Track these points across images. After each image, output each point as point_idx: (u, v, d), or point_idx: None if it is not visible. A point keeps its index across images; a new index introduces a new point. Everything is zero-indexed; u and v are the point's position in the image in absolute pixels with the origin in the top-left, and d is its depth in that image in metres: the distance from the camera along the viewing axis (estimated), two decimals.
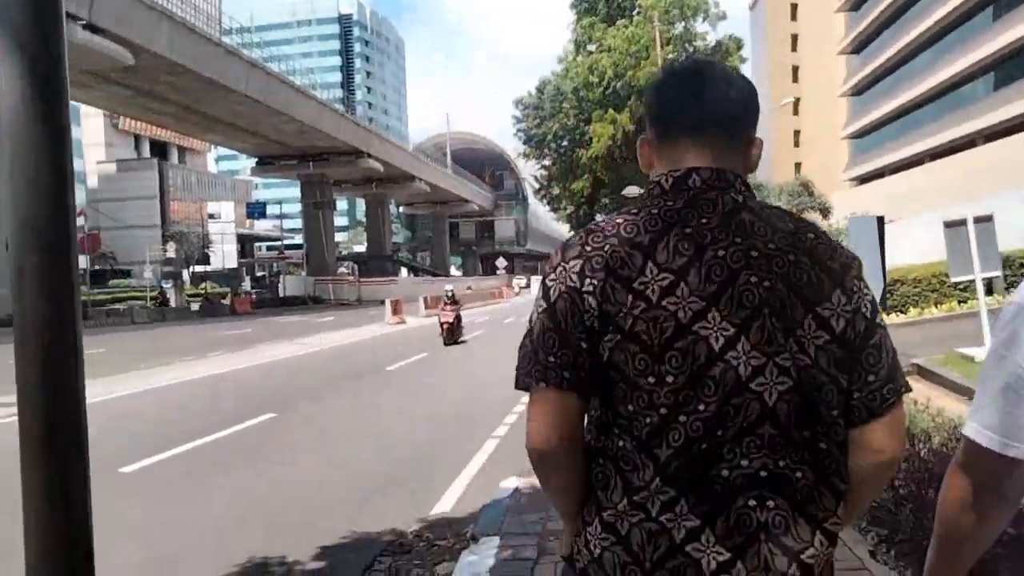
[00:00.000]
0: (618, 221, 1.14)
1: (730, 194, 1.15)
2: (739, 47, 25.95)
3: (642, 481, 1.07)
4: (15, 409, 1.51)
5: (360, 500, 5.52)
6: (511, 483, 5.29)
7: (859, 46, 55.28)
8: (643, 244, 1.10)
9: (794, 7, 70.34)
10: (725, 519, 1.05)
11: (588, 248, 1.13)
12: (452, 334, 18.60)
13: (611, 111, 24.56)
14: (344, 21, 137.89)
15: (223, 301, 40.66)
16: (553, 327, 1.12)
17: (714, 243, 1.10)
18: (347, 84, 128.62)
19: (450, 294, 18.91)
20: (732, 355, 1.06)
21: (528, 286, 71.49)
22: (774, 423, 1.07)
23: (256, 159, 54.82)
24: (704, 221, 1.11)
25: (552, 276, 1.15)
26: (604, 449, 1.12)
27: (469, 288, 37.24)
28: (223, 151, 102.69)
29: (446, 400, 10.12)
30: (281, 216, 59.32)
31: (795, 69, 69.08)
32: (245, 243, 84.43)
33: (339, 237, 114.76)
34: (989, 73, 37.77)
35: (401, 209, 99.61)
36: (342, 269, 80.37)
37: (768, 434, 1.07)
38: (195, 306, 40.50)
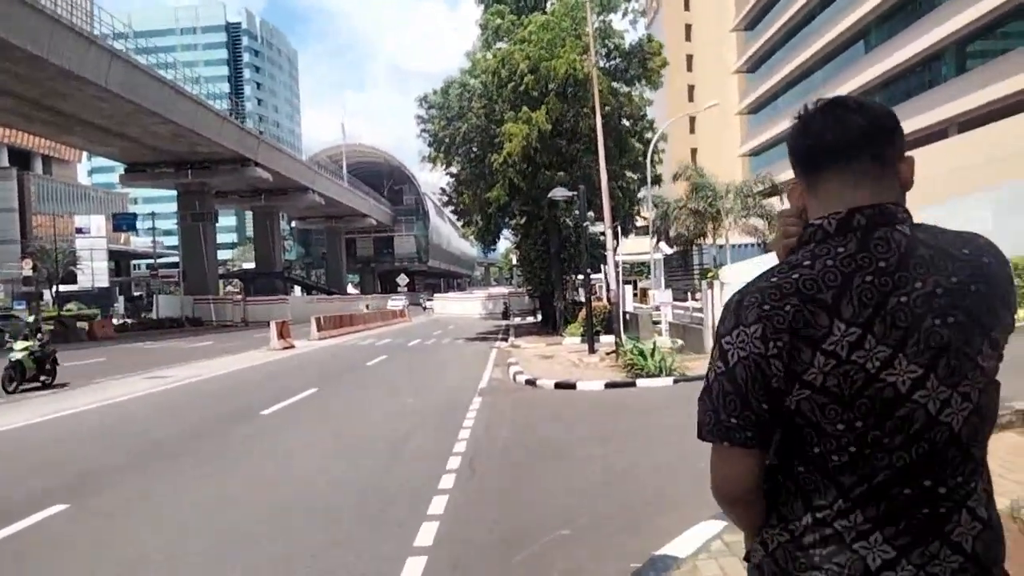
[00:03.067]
0: (793, 277, 1.15)
1: (898, 229, 1.16)
2: (661, 48, 24.28)
3: (824, 500, 1.16)
4: None
5: None
6: None
7: (754, 65, 56.46)
8: (826, 303, 1.12)
9: (688, 27, 71.46)
10: (895, 525, 1.13)
11: (767, 308, 1.14)
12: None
13: (525, 109, 22.15)
14: (232, 29, 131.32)
15: (80, 325, 35.22)
16: (733, 391, 1.16)
17: (896, 289, 1.12)
18: (236, 93, 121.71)
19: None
20: (920, 394, 1.12)
21: (412, 306, 65.73)
22: (958, 445, 1.15)
23: (125, 166, 49.10)
24: (883, 265, 1.13)
25: (728, 339, 1.17)
26: (785, 470, 1.21)
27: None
28: (99, 162, 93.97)
29: (341, 468, 7.15)
30: (154, 229, 53.45)
31: (691, 88, 69.97)
32: (120, 260, 76.98)
33: (227, 254, 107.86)
34: (889, 86, 38.46)
35: (294, 224, 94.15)
36: (230, 288, 74.42)
37: (952, 456, 1.14)
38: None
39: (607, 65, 24.60)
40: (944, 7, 31.26)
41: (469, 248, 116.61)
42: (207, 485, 6.57)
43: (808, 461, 1.18)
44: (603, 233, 18.54)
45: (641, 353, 12.80)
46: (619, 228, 28.39)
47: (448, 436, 8.21)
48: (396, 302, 58.22)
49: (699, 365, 13.34)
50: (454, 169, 26.73)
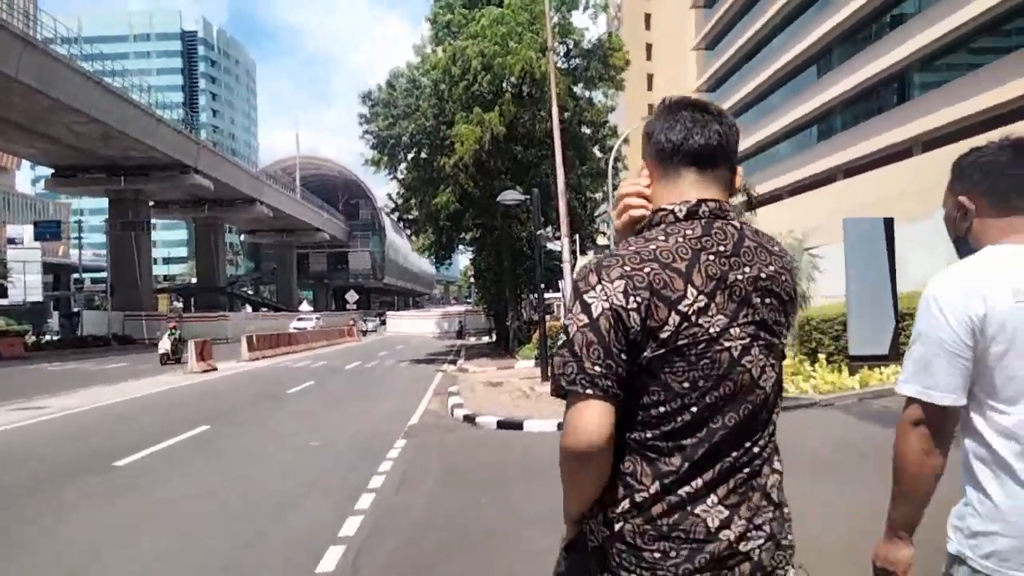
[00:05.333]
0: (651, 247, 1.27)
1: (731, 223, 1.33)
2: (622, 44, 22.62)
3: (670, 467, 1.25)
4: None
5: None
6: None
7: (714, 85, 56.12)
8: (681, 270, 1.25)
9: (649, 47, 70.87)
10: (726, 485, 1.26)
11: (628, 268, 1.25)
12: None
13: (477, 110, 20.13)
14: (188, 38, 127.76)
15: None
16: (597, 340, 1.23)
17: (732, 269, 1.28)
18: (190, 103, 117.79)
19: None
20: (747, 360, 1.28)
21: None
22: (768, 409, 1.33)
23: (52, 170, 45.61)
24: (722, 249, 1.29)
25: (592, 294, 1.26)
26: (628, 440, 1.27)
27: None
28: (44, 171, 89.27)
29: (195, 551, 4.87)
30: (80, 239, 49.85)
31: (650, 107, 69.17)
32: (61, 274, 72.46)
33: (178, 269, 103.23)
34: (845, 108, 37.97)
35: (243, 237, 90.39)
36: (177, 304, 70.40)
37: (764, 417, 1.32)
38: None
39: (566, 65, 22.80)
40: (908, 25, 30.57)
41: (428, 265, 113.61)
42: None
43: (654, 424, 1.25)
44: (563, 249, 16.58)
45: None
46: (577, 244, 26.53)
47: (342, 504, 5.99)
48: (304, 323, 49.56)
49: None
50: (400, 174, 24.54)
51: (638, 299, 1.21)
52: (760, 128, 45.25)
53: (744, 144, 46.97)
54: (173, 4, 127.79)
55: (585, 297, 1.25)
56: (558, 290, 27.54)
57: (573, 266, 14.77)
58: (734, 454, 1.26)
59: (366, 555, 4.78)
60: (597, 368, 1.21)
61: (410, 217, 26.87)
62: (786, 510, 1.34)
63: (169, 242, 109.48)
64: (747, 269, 1.29)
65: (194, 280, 73.39)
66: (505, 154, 21.68)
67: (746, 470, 1.27)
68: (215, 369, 22.04)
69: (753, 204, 16.43)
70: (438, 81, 21.00)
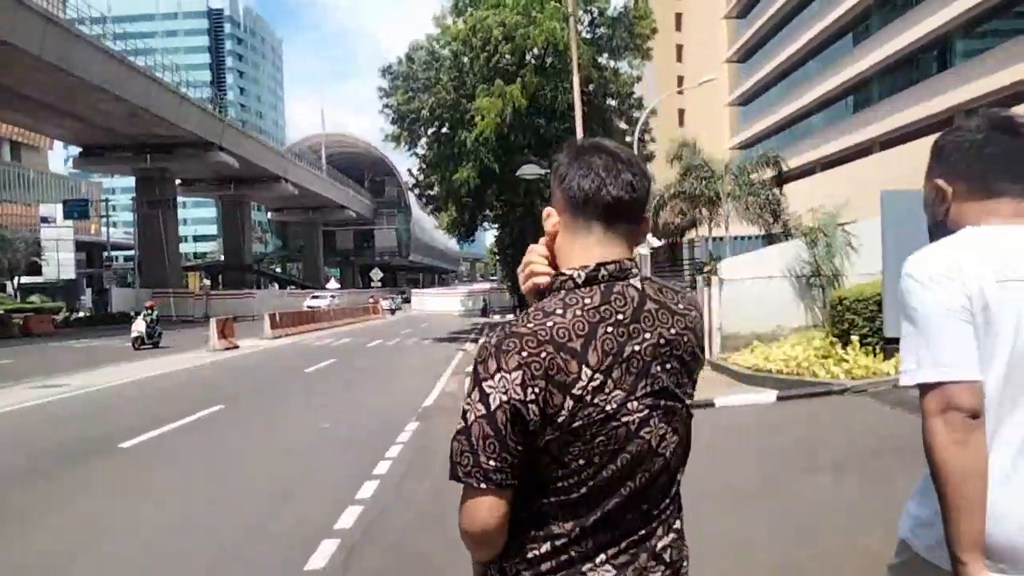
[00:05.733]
0: (548, 325, 1.21)
1: (632, 284, 1.28)
2: (649, 12, 21.82)
3: (562, 530, 1.25)
4: None
5: None
6: None
7: (745, 55, 54.55)
8: (576, 351, 1.20)
9: (679, 16, 69.07)
10: (617, 546, 1.26)
11: (525, 355, 1.19)
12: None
13: (499, 82, 19.59)
14: (214, 16, 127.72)
15: (14, 320, 32.37)
16: (493, 434, 1.20)
17: (630, 339, 1.24)
18: (217, 82, 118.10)
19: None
20: (646, 431, 1.24)
21: (393, 308, 52.96)
22: (669, 473, 1.30)
23: (80, 149, 46.04)
24: (620, 318, 1.24)
25: (491, 383, 1.20)
26: (526, 504, 1.26)
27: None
28: (76, 150, 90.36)
29: (185, 540, 4.65)
30: (108, 216, 50.39)
31: (680, 79, 67.68)
32: (93, 251, 73.61)
33: (207, 246, 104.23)
34: (883, 77, 36.55)
35: (270, 215, 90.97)
36: (207, 281, 71.21)
37: (663, 481, 1.30)
38: None
39: (590, 35, 22.09)
40: None
41: (454, 243, 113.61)
42: None
43: (550, 494, 1.25)
44: None
45: None
46: None
47: (344, 494, 5.70)
48: (318, 301, 48.20)
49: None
50: (420, 150, 24.15)
51: (536, 390, 1.18)
52: (793, 99, 43.93)
53: (776, 116, 45.72)
54: None
55: (484, 385, 1.20)
56: None
57: None
58: (628, 517, 1.26)
59: (359, 551, 4.48)
60: (492, 463, 1.20)
61: (431, 194, 26.50)
62: (684, 564, 1.34)
63: (198, 220, 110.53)
64: (647, 336, 1.25)
65: (222, 258, 74.12)
66: (528, 128, 21.15)
67: (640, 532, 1.27)
68: (237, 347, 22.06)
69: (782, 179, 15.77)
70: (458, 53, 20.51)
